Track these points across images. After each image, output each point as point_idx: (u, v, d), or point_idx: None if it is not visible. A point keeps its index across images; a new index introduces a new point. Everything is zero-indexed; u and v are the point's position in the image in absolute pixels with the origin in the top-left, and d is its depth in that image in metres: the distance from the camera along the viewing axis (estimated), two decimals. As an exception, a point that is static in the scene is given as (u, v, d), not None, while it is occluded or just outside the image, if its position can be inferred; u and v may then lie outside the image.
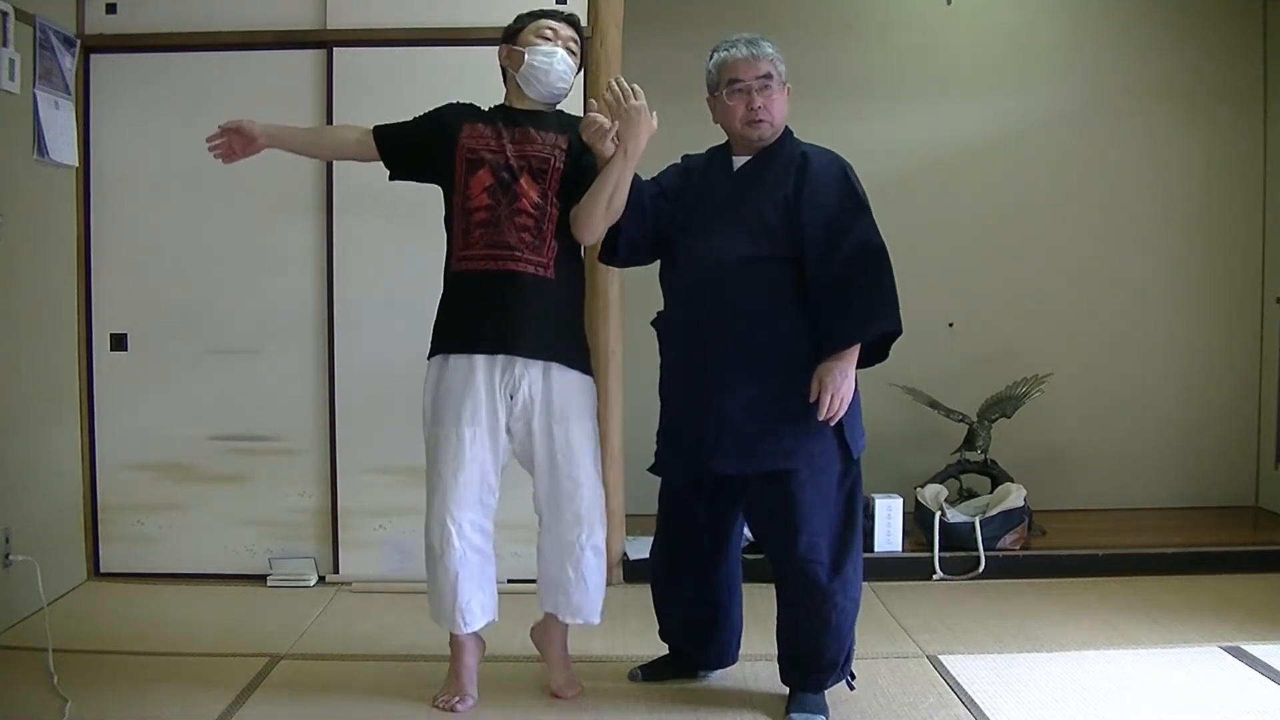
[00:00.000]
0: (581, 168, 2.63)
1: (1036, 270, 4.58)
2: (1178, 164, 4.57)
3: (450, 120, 2.69)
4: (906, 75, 4.50)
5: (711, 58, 2.62)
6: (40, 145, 3.40)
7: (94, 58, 3.70)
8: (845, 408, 2.47)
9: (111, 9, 3.68)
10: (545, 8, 2.73)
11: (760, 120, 2.55)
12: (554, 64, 2.64)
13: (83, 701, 2.65)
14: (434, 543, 2.61)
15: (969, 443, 4.21)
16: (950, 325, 4.57)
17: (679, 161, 2.77)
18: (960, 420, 4.21)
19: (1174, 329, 4.61)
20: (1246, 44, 4.56)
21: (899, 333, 2.49)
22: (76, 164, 3.63)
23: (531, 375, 2.59)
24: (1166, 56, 4.54)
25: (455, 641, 2.69)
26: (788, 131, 2.63)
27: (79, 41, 3.63)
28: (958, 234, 4.55)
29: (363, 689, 2.78)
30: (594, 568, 2.71)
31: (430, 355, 2.65)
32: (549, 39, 2.65)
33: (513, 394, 2.60)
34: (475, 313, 2.59)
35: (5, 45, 3.19)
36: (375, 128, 2.72)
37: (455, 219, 2.63)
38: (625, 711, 2.66)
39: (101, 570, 3.77)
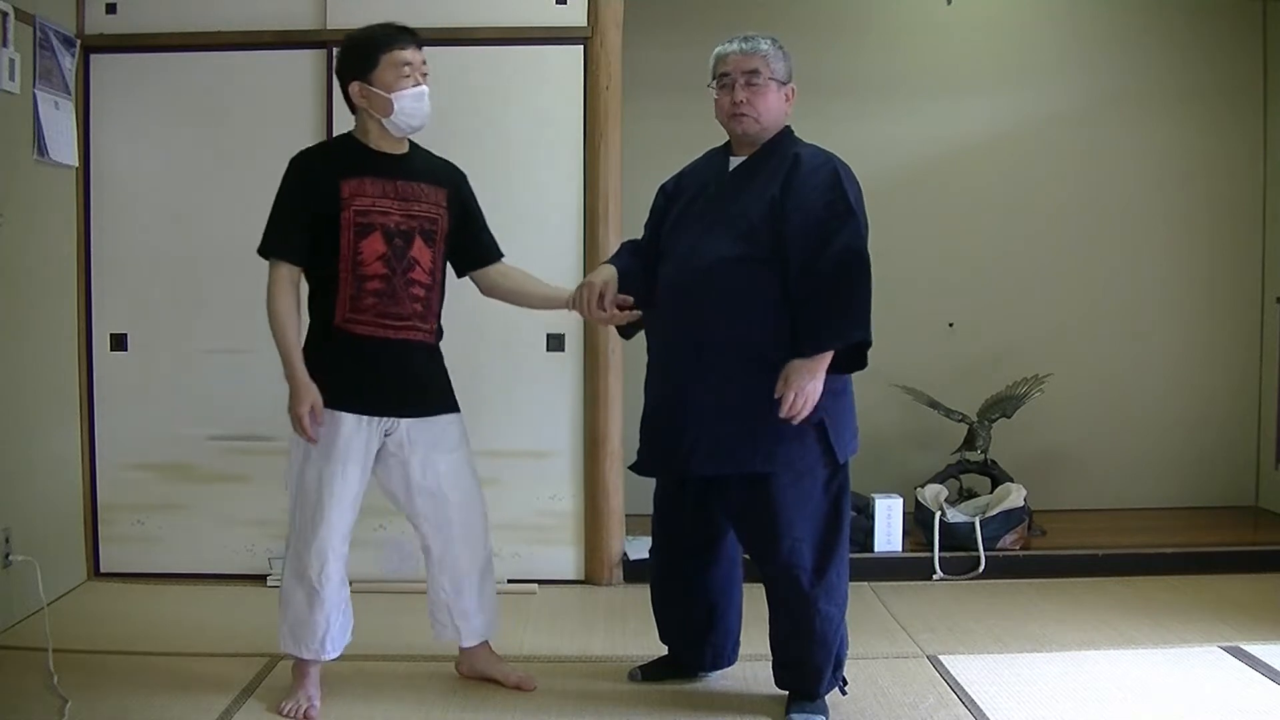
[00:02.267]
0: (463, 226, 2.72)
1: (1036, 270, 4.58)
2: (1178, 164, 4.57)
3: (323, 184, 2.55)
4: (906, 75, 4.50)
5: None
6: (40, 145, 3.40)
7: (94, 58, 3.69)
8: (809, 408, 2.42)
9: (111, 9, 3.68)
10: (389, 27, 2.58)
11: (742, 114, 2.54)
12: (423, 106, 2.58)
13: (83, 701, 2.65)
14: (312, 575, 2.61)
15: (969, 443, 4.20)
16: (950, 325, 4.57)
17: (664, 185, 2.77)
18: (960, 420, 4.21)
19: (1174, 329, 4.61)
20: (1246, 44, 4.56)
21: (869, 344, 2.46)
22: (76, 164, 3.63)
23: (407, 422, 2.65)
24: (1166, 56, 4.54)
25: (309, 662, 2.68)
26: (787, 132, 2.62)
27: (79, 41, 3.63)
28: (958, 234, 4.55)
29: (363, 689, 2.78)
30: (490, 587, 2.80)
31: None
32: (408, 76, 2.55)
33: (388, 432, 2.65)
34: (365, 378, 2.59)
35: (5, 45, 3.19)
36: (270, 254, 2.58)
37: (342, 279, 2.55)
38: (625, 711, 2.66)
39: (101, 570, 3.77)
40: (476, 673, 2.83)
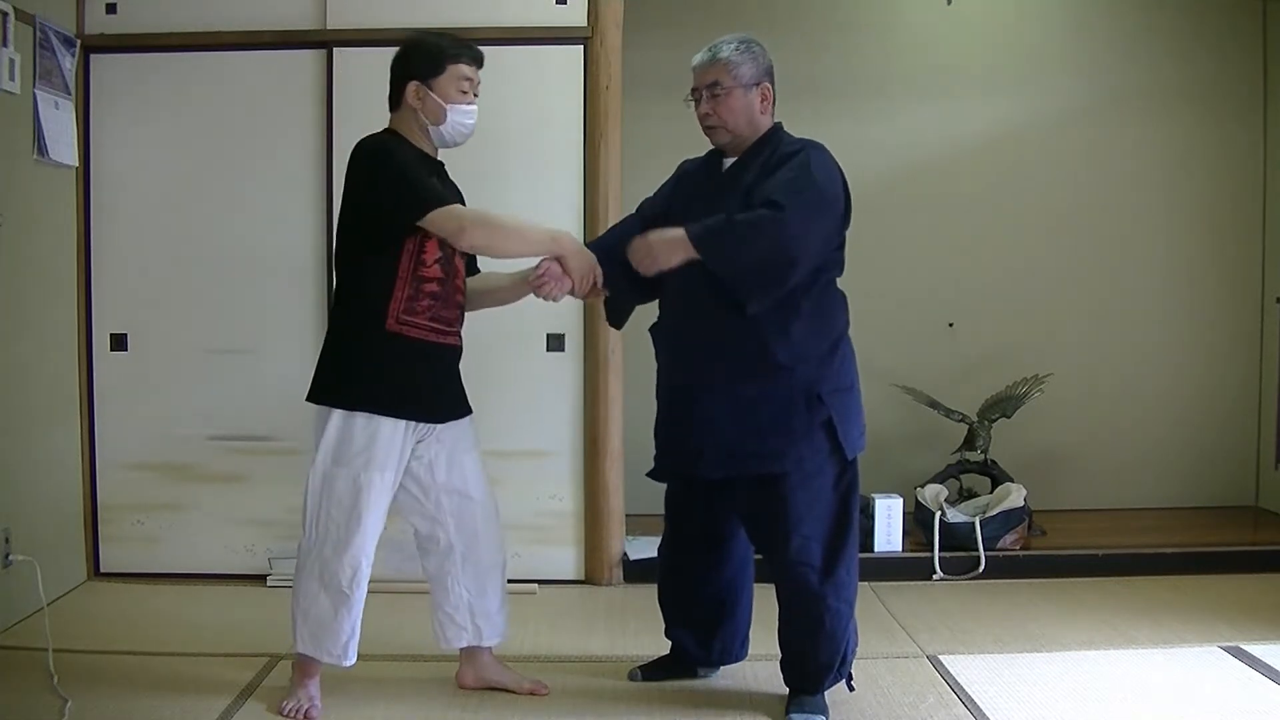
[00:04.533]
0: None
1: (1036, 270, 4.58)
2: (1178, 164, 4.57)
3: (423, 170, 2.55)
4: (906, 75, 4.50)
5: None
6: (40, 145, 3.39)
7: (94, 58, 3.69)
8: (651, 266, 2.48)
9: (111, 9, 3.68)
10: (459, 40, 2.60)
11: (710, 127, 2.58)
12: (471, 123, 2.60)
13: (83, 701, 2.65)
14: (343, 581, 2.56)
15: (969, 443, 4.20)
16: (950, 325, 4.57)
17: (680, 168, 2.79)
18: (960, 420, 4.21)
19: (1174, 329, 4.61)
20: (1246, 44, 4.56)
21: (706, 264, 2.43)
22: (76, 164, 3.63)
23: (440, 426, 2.66)
24: (1167, 56, 4.54)
25: (313, 663, 2.65)
26: (775, 130, 2.62)
27: (79, 41, 3.63)
28: (957, 234, 4.55)
29: (363, 689, 2.78)
30: (506, 586, 2.80)
31: (353, 406, 2.52)
32: (466, 93, 2.56)
33: (420, 438, 2.64)
34: (418, 384, 2.58)
35: (5, 45, 3.19)
36: (437, 205, 2.47)
37: (400, 278, 2.50)
38: (625, 711, 2.66)
39: (101, 570, 3.77)
40: (484, 683, 2.77)
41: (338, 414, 2.54)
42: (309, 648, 2.63)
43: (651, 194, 2.82)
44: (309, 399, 2.60)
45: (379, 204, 2.49)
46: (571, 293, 2.63)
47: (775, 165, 2.51)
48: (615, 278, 2.68)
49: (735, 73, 2.55)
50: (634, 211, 2.83)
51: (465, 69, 2.57)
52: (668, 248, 2.47)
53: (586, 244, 2.79)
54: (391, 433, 2.55)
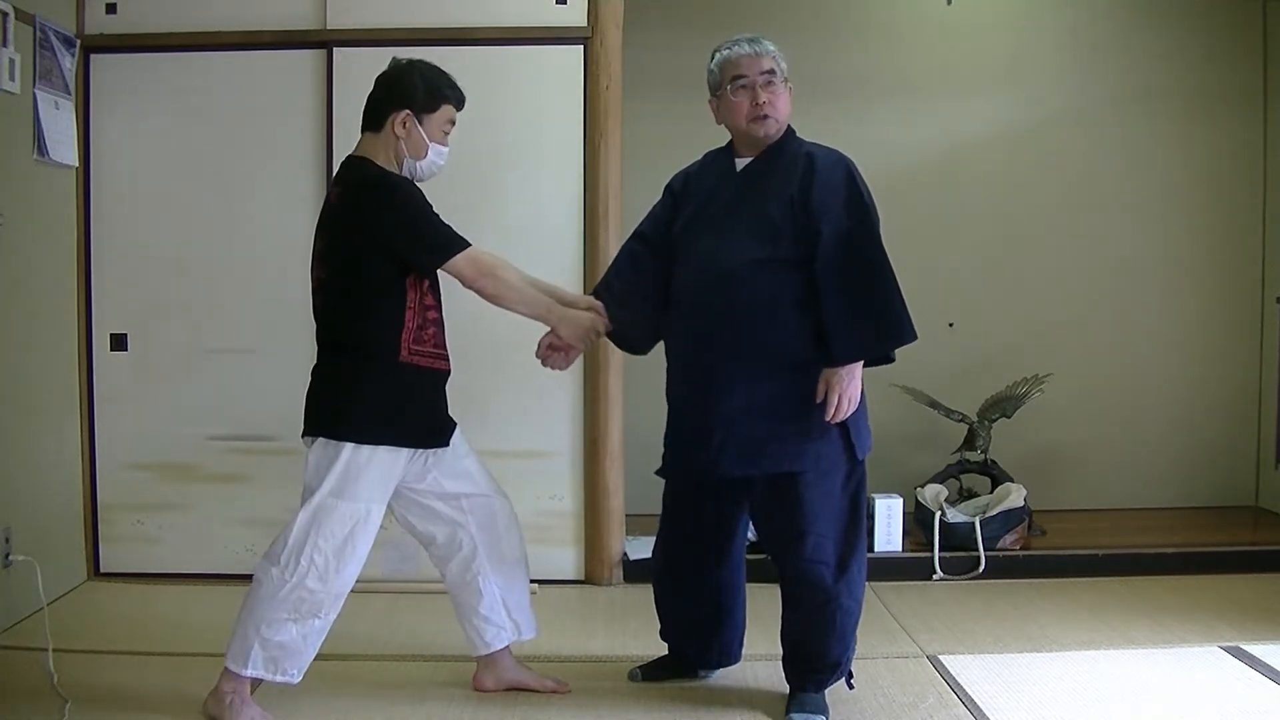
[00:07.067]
0: None
1: (1036, 270, 4.58)
2: (1178, 164, 4.57)
3: None
4: (906, 75, 4.50)
5: (713, 58, 2.61)
6: (40, 145, 3.39)
7: (94, 58, 3.69)
8: (853, 408, 2.48)
9: (111, 9, 3.68)
10: (455, 84, 2.59)
11: (765, 116, 2.54)
12: (442, 165, 2.62)
13: (83, 701, 2.65)
14: (322, 610, 2.51)
15: (969, 443, 4.20)
16: (950, 325, 4.57)
17: (670, 183, 2.76)
18: (960, 420, 4.21)
19: (1174, 328, 4.61)
20: (1246, 45, 4.56)
21: (913, 340, 2.51)
22: (76, 164, 3.63)
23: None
24: (1167, 57, 4.54)
25: (251, 683, 2.57)
26: (790, 130, 2.63)
27: (79, 41, 3.63)
28: (957, 234, 4.55)
29: (363, 689, 2.78)
30: (528, 581, 2.80)
31: (369, 440, 2.48)
32: (447, 134, 2.59)
33: (416, 463, 2.62)
34: (426, 412, 2.59)
35: (5, 45, 3.19)
36: (463, 246, 2.51)
37: (409, 310, 2.51)
38: (625, 711, 2.66)
39: (101, 570, 3.77)
40: (506, 684, 2.75)
41: (348, 448, 2.49)
42: (261, 670, 2.52)
43: (646, 216, 2.77)
44: (313, 434, 2.55)
45: (399, 249, 2.48)
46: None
47: (821, 180, 2.49)
48: (636, 323, 2.71)
49: (781, 66, 2.57)
50: (632, 237, 2.78)
51: (453, 112, 2.59)
52: (853, 372, 2.47)
53: (597, 289, 2.79)
54: (401, 463, 2.55)
